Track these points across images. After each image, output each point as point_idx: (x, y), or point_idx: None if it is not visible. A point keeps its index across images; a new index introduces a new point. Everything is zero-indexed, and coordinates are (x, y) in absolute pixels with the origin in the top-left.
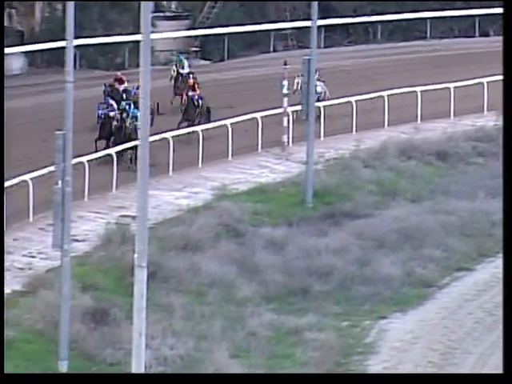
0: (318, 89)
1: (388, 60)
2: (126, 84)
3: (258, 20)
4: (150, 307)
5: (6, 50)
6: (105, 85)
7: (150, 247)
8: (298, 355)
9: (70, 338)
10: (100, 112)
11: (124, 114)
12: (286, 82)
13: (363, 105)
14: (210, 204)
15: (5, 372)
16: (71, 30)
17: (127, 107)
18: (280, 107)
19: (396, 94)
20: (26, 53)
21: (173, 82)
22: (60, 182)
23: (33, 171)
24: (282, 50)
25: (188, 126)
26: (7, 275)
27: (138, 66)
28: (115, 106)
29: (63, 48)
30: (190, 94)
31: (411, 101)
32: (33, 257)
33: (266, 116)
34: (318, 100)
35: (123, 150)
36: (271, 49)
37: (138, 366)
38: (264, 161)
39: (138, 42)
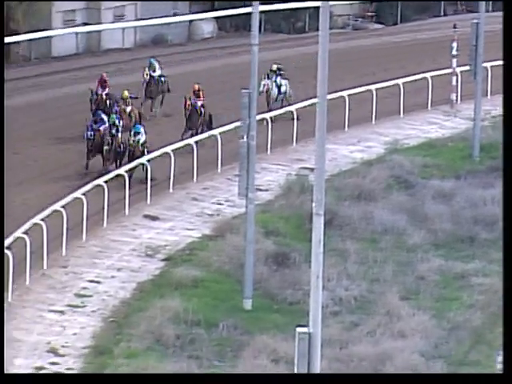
0: (283, 88)
1: None
2: (107, 89)
3: None
4: (326, 252)
5: (199, 16)
6: (91, 92)
7: (327, 197)
8: (464, 298)
9: (253, 279)
10: (89, 134)
11: (114, 130)
12: (455, 44)
13: None
14: (383, 157)
15: (5, 372)
16: None
17: (117, 121)
18: (449, 67)
19: None
20: (216, 18)
21: (145, 85)
22: (245, 137)
23: (223, 125)
24: (451, 14)
25: (191, 136)
26: (198, 221)
27: (317, 29)
28: (105, 119)
29: (249, 13)
30: (193, 101)
31: None
32: (220, 204)
33: (435, 76)
34: (282, 102)
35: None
36: (442, 13)
37: (315, 306)
38: (433, 117)
39: (317, 7)
